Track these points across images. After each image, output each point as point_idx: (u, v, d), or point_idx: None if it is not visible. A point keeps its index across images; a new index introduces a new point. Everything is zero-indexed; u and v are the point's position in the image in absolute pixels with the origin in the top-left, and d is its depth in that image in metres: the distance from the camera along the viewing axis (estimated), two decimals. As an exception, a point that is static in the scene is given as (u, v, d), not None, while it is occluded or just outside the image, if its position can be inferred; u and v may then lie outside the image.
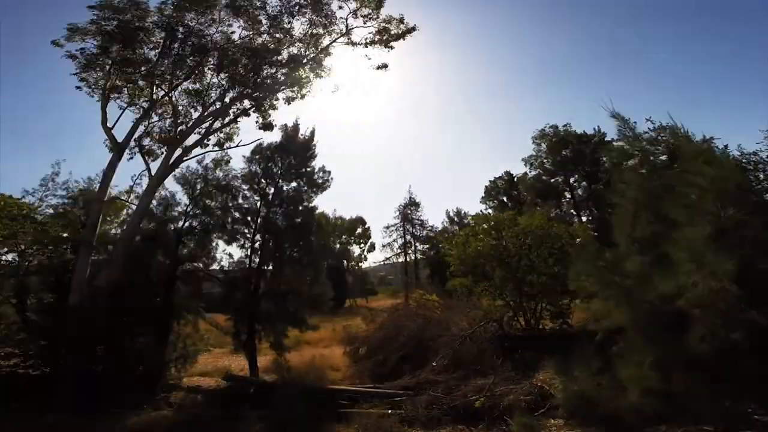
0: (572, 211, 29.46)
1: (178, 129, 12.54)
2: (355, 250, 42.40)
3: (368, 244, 42.36)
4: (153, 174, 11.24)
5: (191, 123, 12.64)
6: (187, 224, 12.24)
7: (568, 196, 28.78)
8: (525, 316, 11.24)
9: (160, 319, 11.24)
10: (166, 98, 14.39)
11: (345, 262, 40.82)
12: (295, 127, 14.76)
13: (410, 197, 39.94)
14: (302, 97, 16.38)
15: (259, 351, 12.41)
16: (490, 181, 37.20)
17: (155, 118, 14.05)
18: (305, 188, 13.02)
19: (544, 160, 29.21)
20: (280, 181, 12.83)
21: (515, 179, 36.09)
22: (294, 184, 13.05)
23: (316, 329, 12.28)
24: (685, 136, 4.99)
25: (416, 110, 73.13)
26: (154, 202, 11.76)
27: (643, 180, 5.06)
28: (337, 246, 38.84)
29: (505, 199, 36.75)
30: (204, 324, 12.09)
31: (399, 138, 74.16)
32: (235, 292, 11.53)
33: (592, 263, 4.67)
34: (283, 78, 16.00)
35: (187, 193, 12.04)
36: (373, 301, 41.24)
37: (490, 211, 36.50)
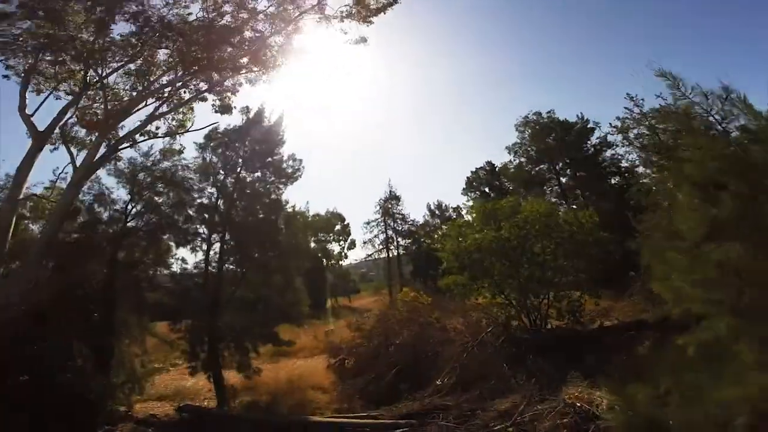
0: (554, 199, 28.67)
1: (113, 111, 10.43)
2: (335, 248, 40.53)
3: (348, 241, 40.55)
4: (78, 166, 9.14)
5: (126, 105, 10.53)
6: (131, 224, 10.22)
7: (554, 183, 27.89)
8: (529, 315, 9.89)
9: (99, 338, 9.27)
10: (103, 81, 12.24)
11: (324, 260, 38.89)
12: (260, 110, 12.86)
13: (390, 191, 38.47)
14: (269, 81, 14.56)
15: (225, 364, 10.60)
16: (471, 171, 36.19)
17: (88, 103, 11.91)
18: (272, 179, 11.17)
19: (529, 148, 28.22)
20: (242, 170, 10.93)
21: (497, 169, 35.20)
22: (258, 174, 11.17)
23: (291, 345, 10.48)
24: (743, 101, 3.78)
25: (397, 98, 71.05)
26: (87, 198, 9.68)
27: (722, 146, 3.77)
28: (314, 245, 36.86)
29: (487, 189, 35.82)
30: (153, 341, 10.15)
31: (378, 128, 71.98)
32: (190, 303, 9.62)
33: (693, 259, 3.28)
34: (245, 59, 14.10)
35: (127, 188, 9.99)
36: (356, 300, 39.80)
37: (471, 203, 35.53)
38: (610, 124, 9.68)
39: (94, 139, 9.79)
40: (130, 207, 9.92)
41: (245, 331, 9.44)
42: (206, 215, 10.17)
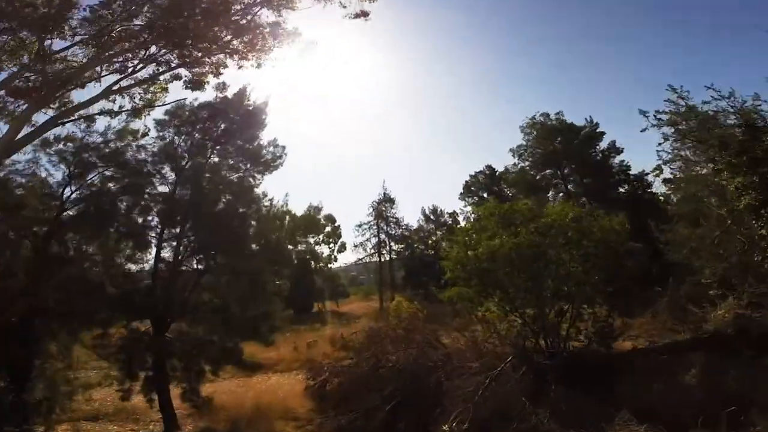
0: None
1: (50, 79, 8.59)
2: (324, 250, 38.55)
3: (338, 243, 38.64)
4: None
5: (72, 73, 8.71)
6: (73, 212, 8.42)
7: (560, 189, 26.41)
8: (547, 336, 8.27)
9: (15, 346, 7.44)
10: (52, 55, 10.47)
11: (312, 263, 36.95)
12: (242, 90, 11.17)
13: (384, 193, 36.85)
14: (258, 66, 12.93)
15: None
16: (470, 175, 34.77)
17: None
18: (248, 166, 9.44)
19: (534, 151, 26.70)
20: (212, 155, 9.18)
21: (497, 173, 33.86)
22: (231, 161, 9.42)
23: (255, 370, 8.67)
24: None
25: (392, 97, 68.87)
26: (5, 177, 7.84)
27: None
28: (300, 247, 35.01)
29: (485, 195, 34.44)
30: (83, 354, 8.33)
31: (371, 128, 69.46)
32: (132, 310, 7.80)
33: None
34: (229, 35, 12.45)
35: (63, 169, 8.20)
36: (345, 305, 37.99)
37: (469, 208, 34.14)
38: (655, 115, 8.28)
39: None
40: (68, 192, 8.12)
41: (199, 348, 7.64)
42: (161, 205, 8.37)
